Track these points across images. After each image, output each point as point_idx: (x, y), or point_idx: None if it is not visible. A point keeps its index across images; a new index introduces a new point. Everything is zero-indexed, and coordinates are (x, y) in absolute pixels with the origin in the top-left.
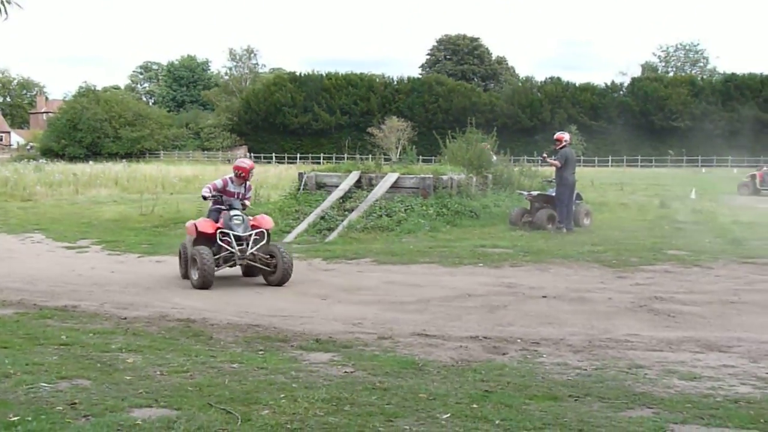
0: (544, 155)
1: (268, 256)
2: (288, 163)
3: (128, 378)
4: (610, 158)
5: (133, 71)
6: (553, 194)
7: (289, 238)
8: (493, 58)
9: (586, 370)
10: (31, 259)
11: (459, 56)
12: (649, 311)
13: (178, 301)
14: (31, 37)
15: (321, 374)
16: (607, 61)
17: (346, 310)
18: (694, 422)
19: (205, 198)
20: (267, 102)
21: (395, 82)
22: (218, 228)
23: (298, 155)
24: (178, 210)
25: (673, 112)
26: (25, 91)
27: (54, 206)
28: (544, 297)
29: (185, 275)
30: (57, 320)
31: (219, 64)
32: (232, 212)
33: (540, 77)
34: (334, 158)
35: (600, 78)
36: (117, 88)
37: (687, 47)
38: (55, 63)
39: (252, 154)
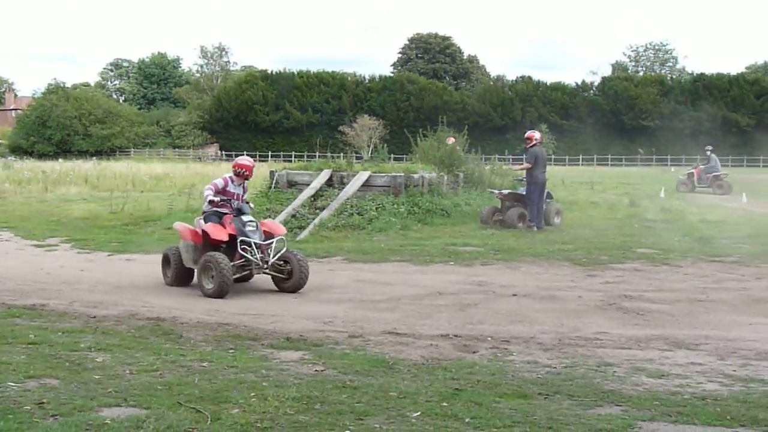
0: (513, 165)
1: (282, 263)
2: (259, 161)
3: (97, 377)
4: (580, 157)
5: (104, 68)
6: (524, 193)
7: None
8: (465, 57)
9: (555, 368)
10: None
11: (431, 55)
12: (619, 309)
13: (148, 300)
14: None
15: (291, 373)
16: (578, 60)
17: (317, 308)
18: (662, 419)
19: (212, 203)
20: (238, 100)
21: (367, 81)
22: (231, 235)
23: (270, 153)
24: (148, 208)
25: (643, 111)
26: None
27: (23, 204)
28: (515, 295)
29: (175, 282)
30: (25, 319)
31: (190, 62)
32: (245, 218)
33: (511, 76)
34: (305, 156)
35: (571, 77)
36: (87, 85)
37: (656, 47)
38: (25, 59)
39: (223, 152)
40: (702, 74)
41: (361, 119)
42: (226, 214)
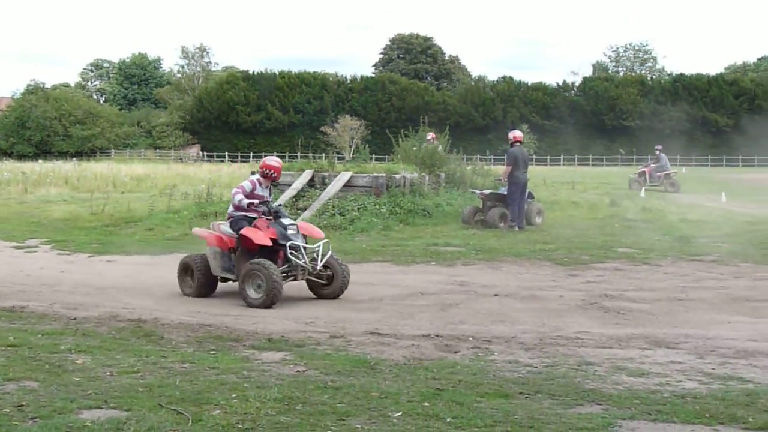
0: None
1: (322, 267)
2: (241, 161)
3: (77, 379)
4: (561, 157)
5: (84, 69)
6: (505, 193)
7: None
8: (446, 58)
9: (536, 367)
10: None
11: (412, 55)
12: (599, 309)
13: (128, 301)
14: None
15: (273, 373)
16: (559, 60)
17: (299, 308)
18: (642, 418)
19: (250, 206)
20: (220, 100)
21: (348, 81)
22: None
23: (251, 154)
24: (129, 209)
25: (623, 111)
26: None
27: (2, 205)
28: (496, 295)
29: (199, 292)
30: (5, 321)
31: (171, 62)
32: (285, 221)
33: (492, 76)
34: (287, 157)
35: (552, 77)
36: (67, 85)
37: (636, 47)
38: (4, 60)
39: (204, 153)
40: (681, 74)
41: (342, 120)
42: (253, 218)
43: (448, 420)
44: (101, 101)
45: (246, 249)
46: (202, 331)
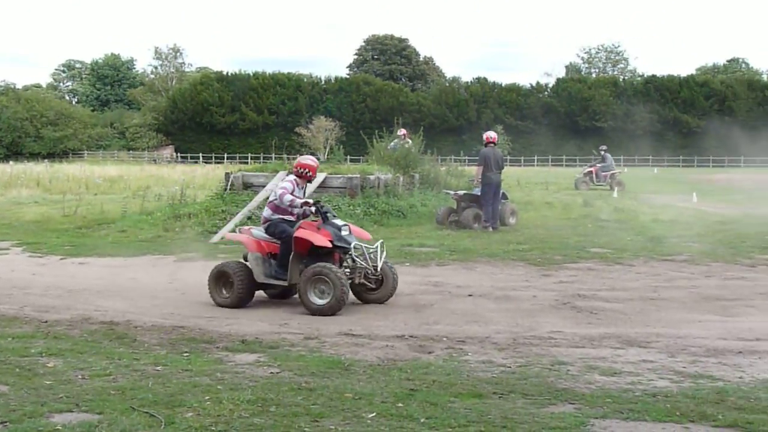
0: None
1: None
2: (215, 163)
3: (48, 383)
4: (535, 158)
5: (56, 69)
6: (479, 194)
7: (216, 238)
8: (421, 59)
9: (510, 367)
10: None
11: (386, 56)
12: (572, 308)
13: (101, 304)
14: None
15: (246, 375)
16: (533, 62)
17: (273, 310)
18: (614, 416)
19: (307, 204)
20: (194, 101)
21: (323, 82)
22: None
23: (226, 155)
24: (102, 211)
25: (596, 112)
26: None
27: None
28: (470, 296)
29: (239, 301)
30: None
31: (144, 63)
32: (338, 222)
33: (467, 77)
34: (261, 158)
35: (525, 79)
36: (39, 86)
37: (608, 49)
38: None
39: (178, 154)
40: (653, 76)
41: (317, 121)
42: (291, 221)
43: (422, 420)
44: (73, 102)
45: (297, 253)
46: (175, 333)
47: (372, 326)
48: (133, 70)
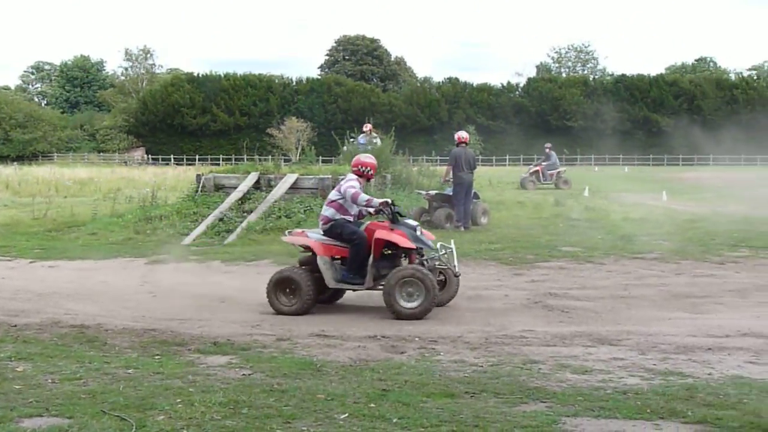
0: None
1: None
2: (186, 164)
3: (18, 387)
4: (507, 158)
5: (24, 71)
6: (451, 193)
7: (187, 240)
8: (392, 59)
9: (482, 366)
10: None
11: (358, 57)
12: (544, 307)
13: (71, 307)
14: None
15: (218, 377)
16: (504, 62)
17: (245, 312)
18: (586, 415)
19: (385, 204)
20: (164, 103)
21: (294, 83)
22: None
23: (197, 157)
24: (72, 214)
25: (567, 112)
26: None
27: None
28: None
29: (306, 308)
30: None
31: (114, 64)
32: (412, 222)
33: (438, 78)
34: (233, 159)
35: (497, 79)
36: (7, 88)
37: (578, 48)
38: None
39: (149, 156)
40: (623, 75)
41: (288, 121)
42: (352, 222)
43: (395, 421)
44: (43, 104)
45: (379, 255)
46: (146, 336)
47: (344, 327)
48: (103, 72)
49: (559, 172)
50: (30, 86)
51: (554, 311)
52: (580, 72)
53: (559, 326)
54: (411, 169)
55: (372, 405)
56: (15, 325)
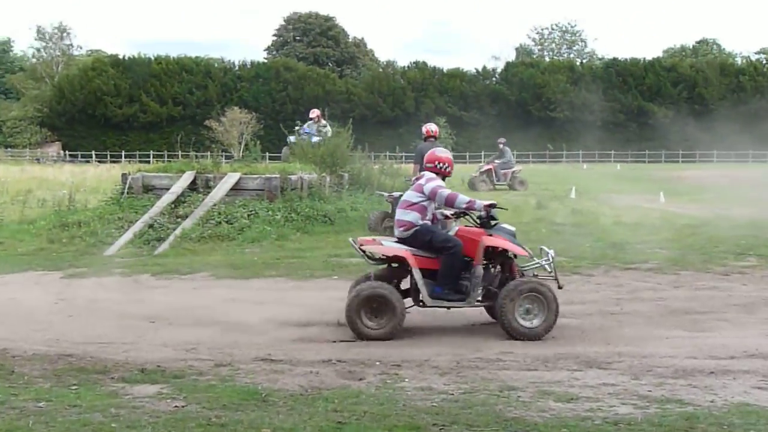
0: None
1: None
2: (111, 162)
3: None
4: (482, 153)
5: None
6: None
7: (111, 250)
8: (350, 40)
9: (452, 394)
10: None
11: (310, 37)
12: None
13: None
14: None
15: (146, 410)
16: (478, 44)
17: (179, 333)
18: None
19: (491, 207)
20: (84, 90)
21: (237, 68)
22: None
23: (123, 153)
24: None
25: (551, 101)
26: None
27: None
28: (407, 312)
29: (396, 331)
30: None
31: (24, 44)
32: (508, 227)
33: (403, 62)
34: (165, 156)
35: (470, 63)
36: None
37: (563, 29)
38: None
39: (67, 152)
40: (615, 59)
41: (230, 112)
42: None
43: None
44: None
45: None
46: (61, 363)
47: (294, 350)
48: (11, 53)
49: (514, 171)
50: None
51: None
52: (566, 56)
53: (540, 347)
54: (372, 168)
55: None
56: None
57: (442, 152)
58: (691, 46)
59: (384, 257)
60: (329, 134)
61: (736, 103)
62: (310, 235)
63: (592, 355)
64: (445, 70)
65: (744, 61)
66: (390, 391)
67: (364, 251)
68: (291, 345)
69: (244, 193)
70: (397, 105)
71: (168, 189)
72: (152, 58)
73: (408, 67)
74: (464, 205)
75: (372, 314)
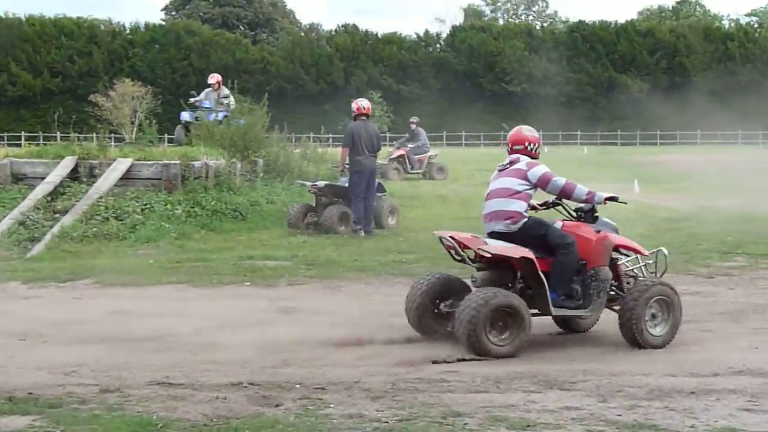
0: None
1: None
2: None
3: None
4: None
5: None
6: (347, 185)
7: None
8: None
9: (387, 422)
10: None
11: None
12: None
13: None
14: None
15: None
16: (419, 4)
17: (56, 353)
18: None
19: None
20: None
21: (128, 31)
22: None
23: None
24: None
25: (506, 72)
26: None
27: None
28: (334, 325)
29: (516, 350)
30: None
31: None
32: (612, 222)
33: (329, 25)
34: (40, 138)
35: (410, 27)
36: None
37: None
38: None
39: None
40: (581, 22)
41: (120, 85)
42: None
43: None
44: None
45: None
46: None
47: (196, 371)
48: None
49: (430, 156)
50: None
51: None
52: (523, 18)
53: (492, 365)
54: (291, 152)
55: None
56: None
57: (529, 131)
58: (670, 8)
59: (493, 257)
60: (232, 106)
61: (722, 74)
62: (217, 234)
63: (552, 374)
64: (379, 35)
65: (732, 24)
66: (312, 419)
67: (460, 251)
68: (193, 366)
69: (137, 182)
70: (322, 77)
71: (43, 178)
72: (23, 19)
73: (335, 31)
74: (584, 197)
75: (499, 327)
